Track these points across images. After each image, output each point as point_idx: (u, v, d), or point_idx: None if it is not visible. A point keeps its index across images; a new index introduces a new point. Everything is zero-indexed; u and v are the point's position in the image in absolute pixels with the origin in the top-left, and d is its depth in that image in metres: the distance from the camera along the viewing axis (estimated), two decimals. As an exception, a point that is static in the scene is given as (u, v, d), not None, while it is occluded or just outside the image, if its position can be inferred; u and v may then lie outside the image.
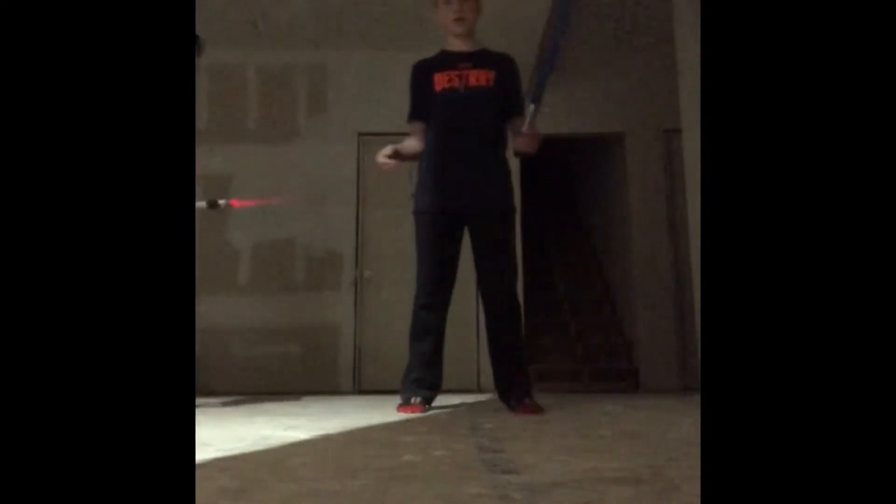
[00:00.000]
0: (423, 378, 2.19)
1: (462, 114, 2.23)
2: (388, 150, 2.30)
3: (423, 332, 2.22)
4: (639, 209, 4.61)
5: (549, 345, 4.98)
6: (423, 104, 2.32)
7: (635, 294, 4.56)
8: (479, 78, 2.24)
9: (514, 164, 3.25)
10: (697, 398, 2.90)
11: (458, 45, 2.33)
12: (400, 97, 4.47)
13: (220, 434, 1.49)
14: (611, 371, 4.74)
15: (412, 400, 2.13)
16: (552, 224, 6.44)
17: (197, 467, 0.97)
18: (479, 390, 4.06)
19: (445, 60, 2.31)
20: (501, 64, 2.31)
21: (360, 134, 4.52)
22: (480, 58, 2.29)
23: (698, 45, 2.93)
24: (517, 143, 2.25)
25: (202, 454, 1.12)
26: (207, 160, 4.31)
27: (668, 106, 4.26)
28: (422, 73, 2.33)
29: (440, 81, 2.27)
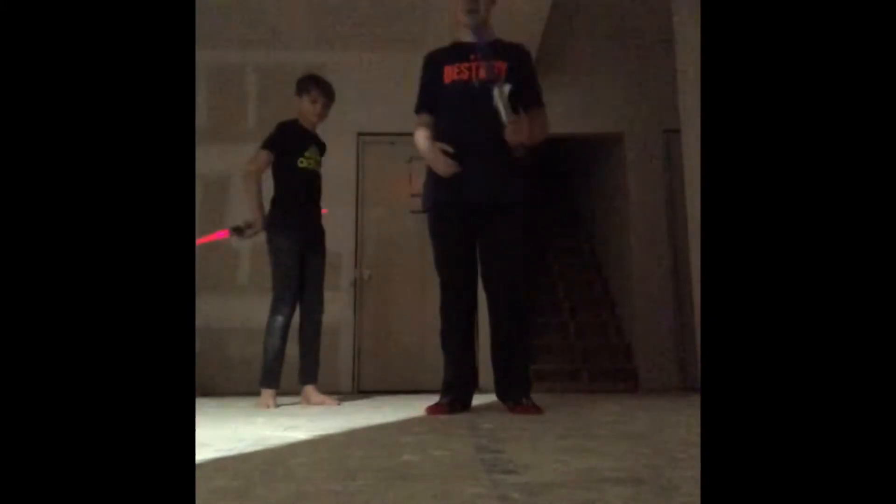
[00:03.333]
0: (452, 379, 2.20)
1: (473, 106, 2.16)
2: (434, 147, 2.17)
3: (449, 329, 2.22)
4: (638, 209, 4.61)
5: (548, 345, 4.98)
6: (432, 96, 2.27)
7: (635, 294, 4.56)
8: (490, 70, 2.16)
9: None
10: (697, 398, 2.90)
11: (470, 37, 2.24)
12: (400, 97, 4.51)
13: (220, 434, 1.49)
14: (610, 371, 4.74)
15: (440, 401, 2.15)
16: (551, 224, 6.44)
17: (197, 467, 0.97)
18: (479, 390, 4.06)
19: (457, 52, 2.25)
20: (514, 55, 2.23)
21: (360, 134, 4.52)
22: (492, 49, 2.21)
23: (698, 46, 2.93)
24: (507, 133, 2.07)
25: (202, 454, 1.12)
26: (207, 160, 4.31)
27: (668, 106, 4.27)
28: (432, 65, 2.29)
29: (450, 73, 2.21)
